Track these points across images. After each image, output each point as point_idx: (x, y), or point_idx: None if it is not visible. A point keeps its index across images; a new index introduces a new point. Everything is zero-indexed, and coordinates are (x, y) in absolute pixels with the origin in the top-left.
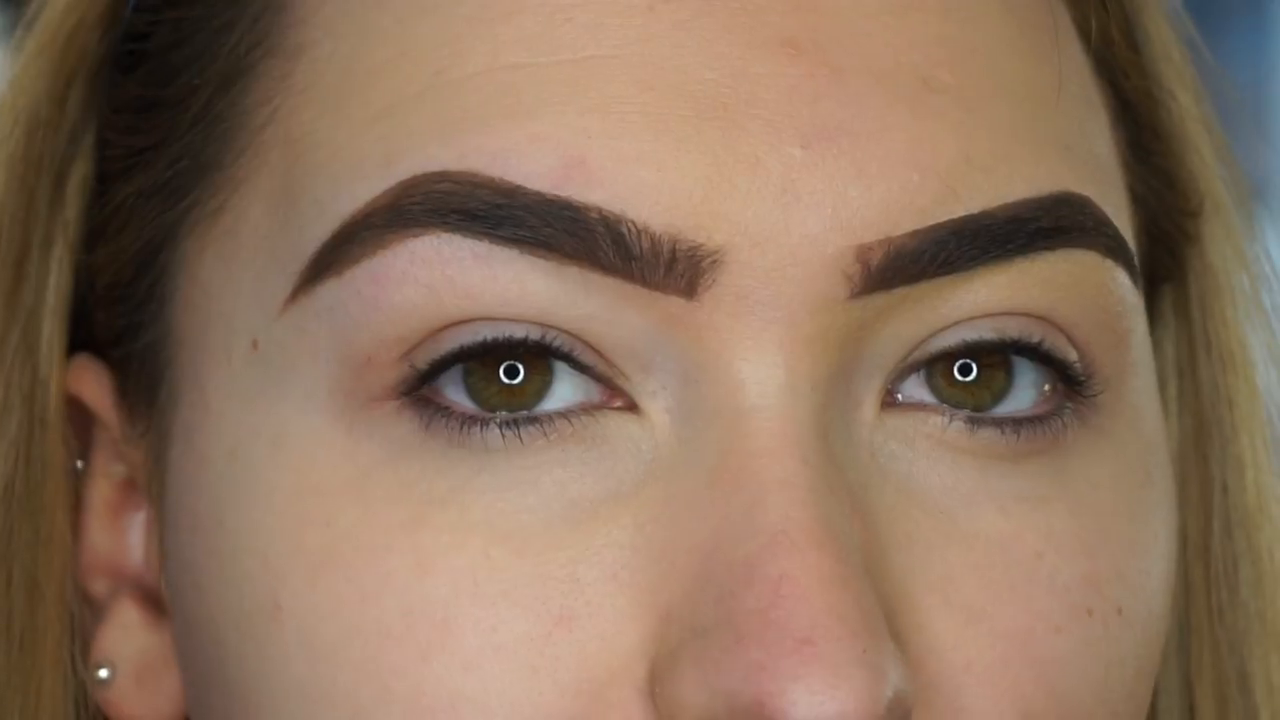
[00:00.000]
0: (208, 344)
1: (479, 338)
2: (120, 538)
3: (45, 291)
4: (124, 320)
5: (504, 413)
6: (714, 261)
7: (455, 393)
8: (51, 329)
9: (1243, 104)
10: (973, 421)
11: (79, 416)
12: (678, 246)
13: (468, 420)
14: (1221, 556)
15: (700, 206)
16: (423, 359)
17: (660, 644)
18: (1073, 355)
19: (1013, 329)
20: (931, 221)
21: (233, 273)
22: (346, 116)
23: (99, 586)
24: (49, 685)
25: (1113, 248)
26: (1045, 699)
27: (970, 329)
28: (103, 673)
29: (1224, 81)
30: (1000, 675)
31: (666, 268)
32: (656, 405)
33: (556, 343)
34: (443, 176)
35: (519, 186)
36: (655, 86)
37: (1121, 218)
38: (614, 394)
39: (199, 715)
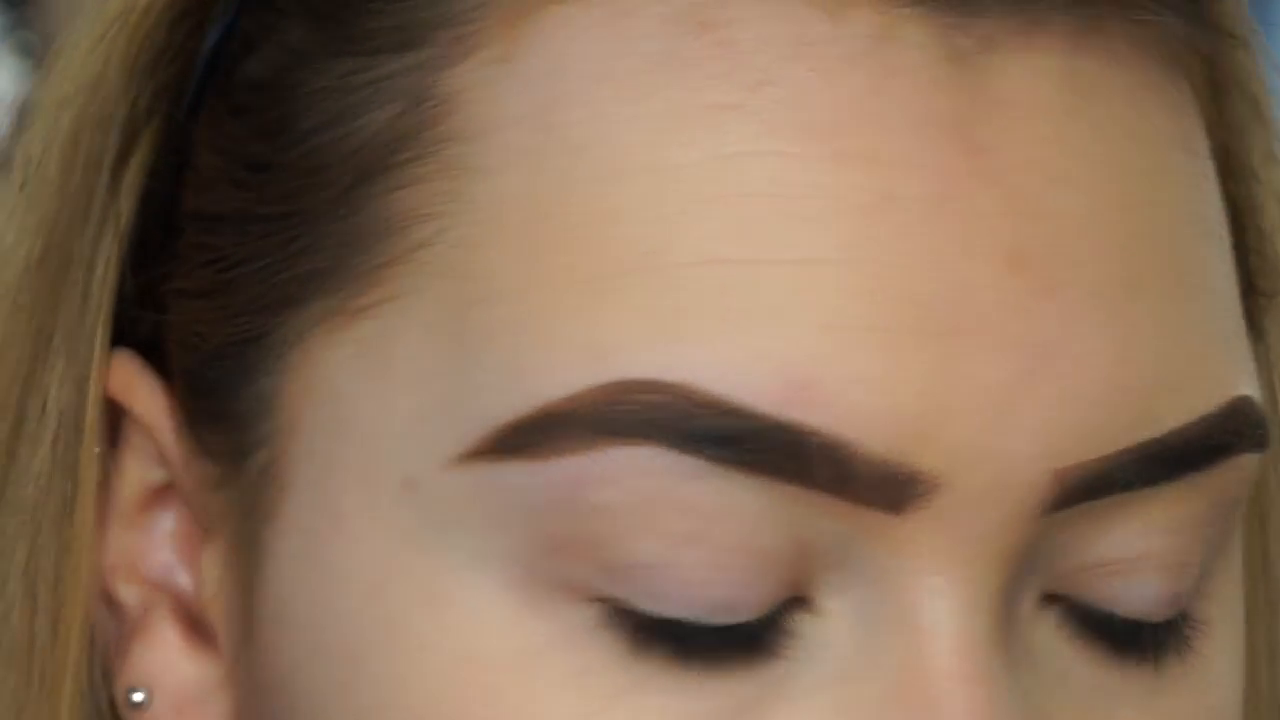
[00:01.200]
0: (340, 456)
1: None
2: (144, 539)
3: (91, 285)
4: (213, 373)
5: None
6: (930, 486)
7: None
8: (96, 325)
9: None
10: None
11: (110, 409)
12: (896, 472)
13: (652, 625)
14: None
15: (921, 431)
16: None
17: None
18: (1192, 608)
19: (1167, 588)
20: (1124, 445)
21: (380, 395)
22: (542, 276)
23: (127, 594)
24: (69, 692)
25: (1263, 442)
26: None
27: (1126, 590)
28: (138, 696)
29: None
30: None
31: (881, 489)
32: (838, 605)
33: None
34: (660, 388)
35: (741, 408)
36: (877, 298)
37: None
38: (797, 593)
39: None
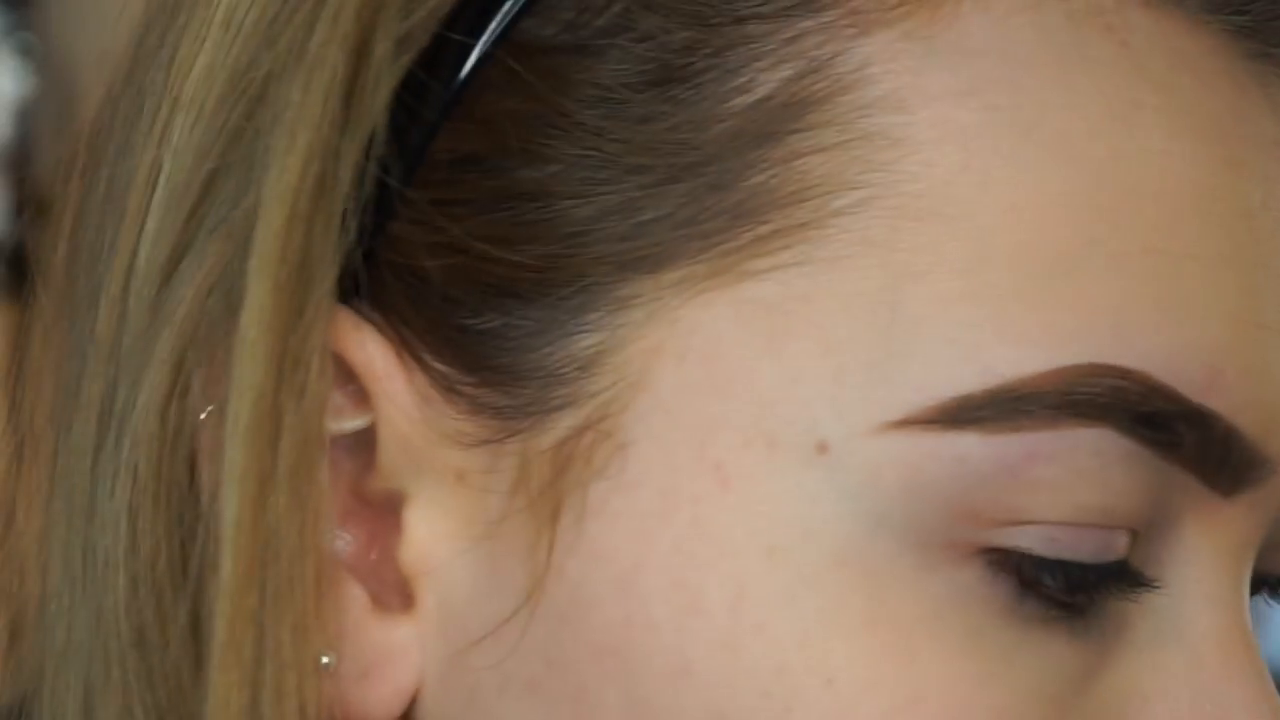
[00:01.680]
0: (721, 415)
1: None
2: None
3: (327, 234)
4: (497, 327)
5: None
6: (1268, 473)
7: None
8: (323, 281)
9: None
10: None
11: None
12: (1257, 458)
13: (1031, 586)
14: None
15: (1276, 420)
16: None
17: None
18: None
19: None
20: None
21: (781, 357)
22: (991, 254)
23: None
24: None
25: None
26: None
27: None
28: (325, 659)
29: None
30: None
31: (1244, 477)
32: (1164, 572)
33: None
34: (1119, 373)
35: (1177, 394)
36: (1260, 295)
37: None
38: (1128, 569)
39: None
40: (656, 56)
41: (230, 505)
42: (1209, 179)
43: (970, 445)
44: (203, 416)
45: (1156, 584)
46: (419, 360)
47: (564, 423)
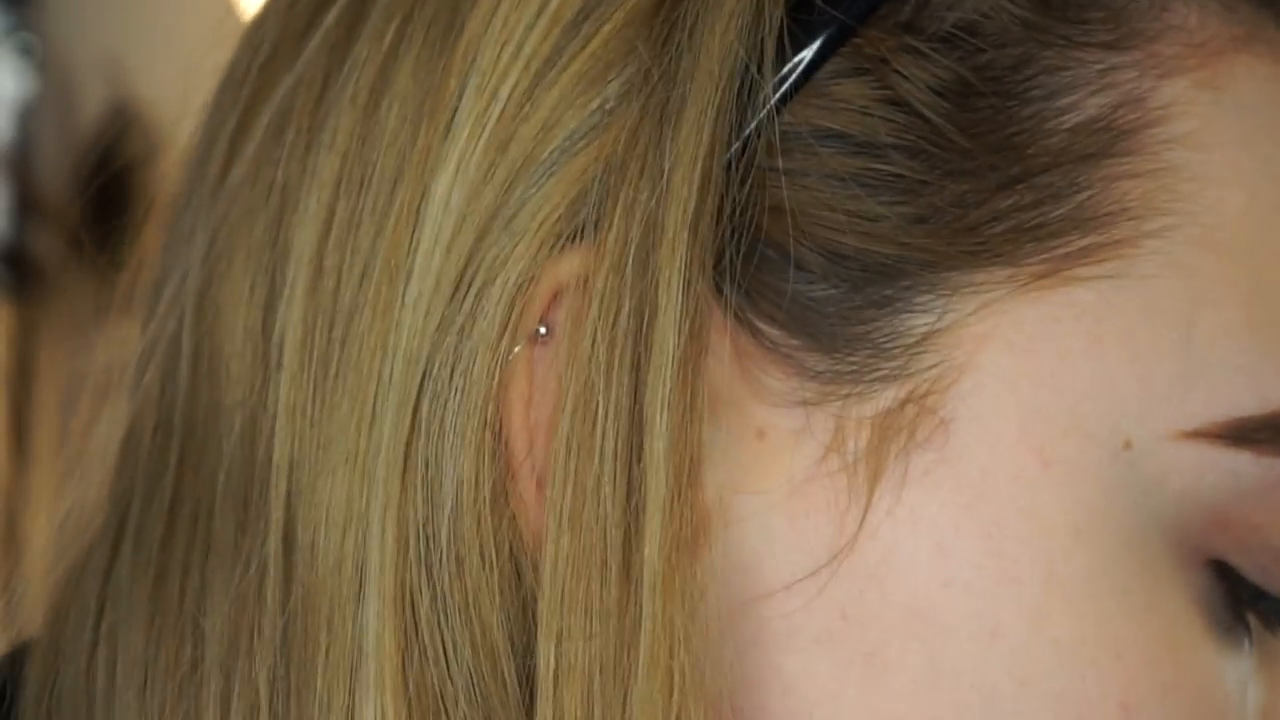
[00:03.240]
0: (1041, 404)
1: None
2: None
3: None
4: (839, 297)
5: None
6: None
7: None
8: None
9: None
10: None
11: None
12: None
13: (1238, 605)
14: None
15: None
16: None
17: None
18: None
19: None
20: None
21: (1092, 359)
22: (1265, 292)
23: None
24: None
25: None
26: None
27: None
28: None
29: None
30: None
31: None
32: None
33: None
34: None
35: None
36: None
37: None
38: None
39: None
40: (994, 61)
41: (660, 469)
42: None
43: (1244, 463)
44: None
45: None
46: (743, 319)
47: (888, 394)
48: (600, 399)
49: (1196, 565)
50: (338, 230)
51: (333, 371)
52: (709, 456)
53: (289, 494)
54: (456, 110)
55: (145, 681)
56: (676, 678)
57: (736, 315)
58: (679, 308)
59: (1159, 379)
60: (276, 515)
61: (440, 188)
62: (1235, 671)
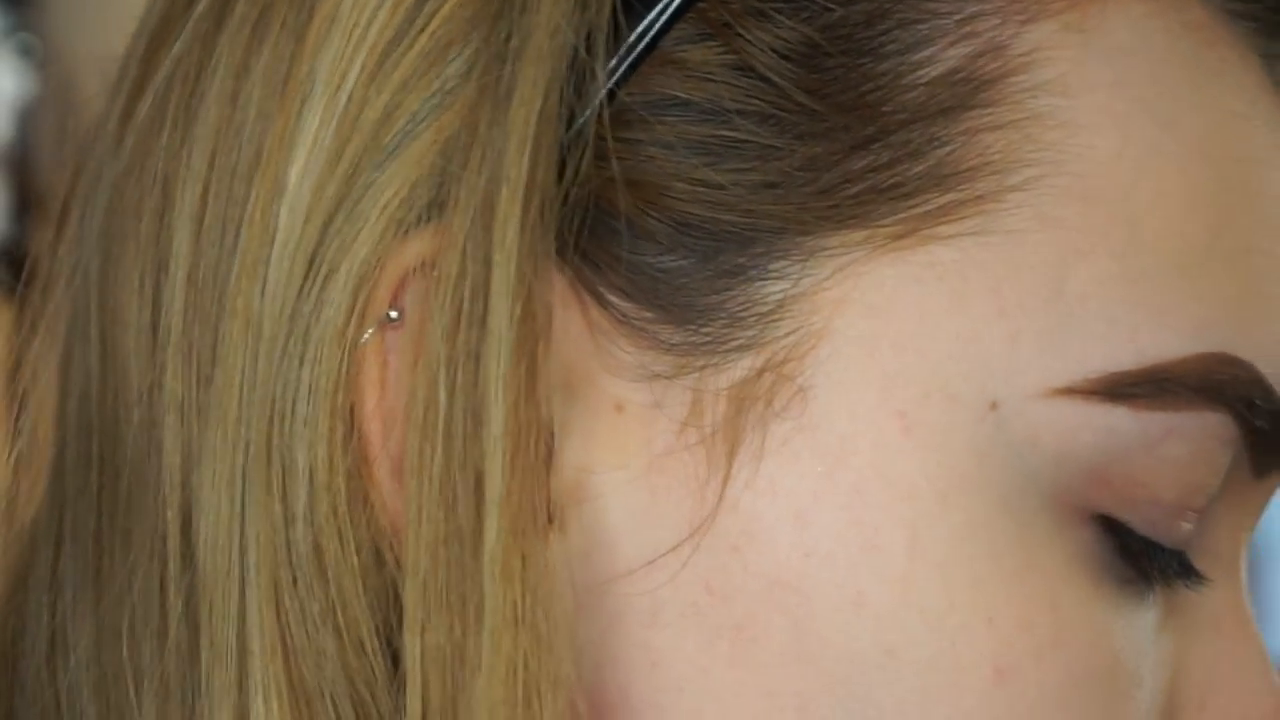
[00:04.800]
0: (903, 368)
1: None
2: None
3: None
4: (687, 268)
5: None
6: None
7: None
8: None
9: None
10: None
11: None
12: None
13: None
14: None
15: None
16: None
17: None
18: None
19: None
20: None
21: (956, 319)
22: (1144, 241)
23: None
24: None
25: None
26: None
27: None
28: None
29: None
30: None
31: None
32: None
33: None
34: (1240, 364)
35: (1272, 388)
36: None
37: None
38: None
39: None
40: (844, 19)
41: (497, 414)
42: None
43: (1121, 418)
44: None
45: (1206, 580)
46: (594, 293)
47: (745, 363)
48: (444, 383)
49: (1081, 522)
50: (209, 225)
51: (206, 371)
52: (568, 434)
53: (182, 490)
54: (307, 97)
55: (100, 680)
56: (520, 662)
57: (589, 290)
58: (512, 287)
59: (1027, 336)
60: (173, 513)
61: (293, 178)
62: (1138, 624)
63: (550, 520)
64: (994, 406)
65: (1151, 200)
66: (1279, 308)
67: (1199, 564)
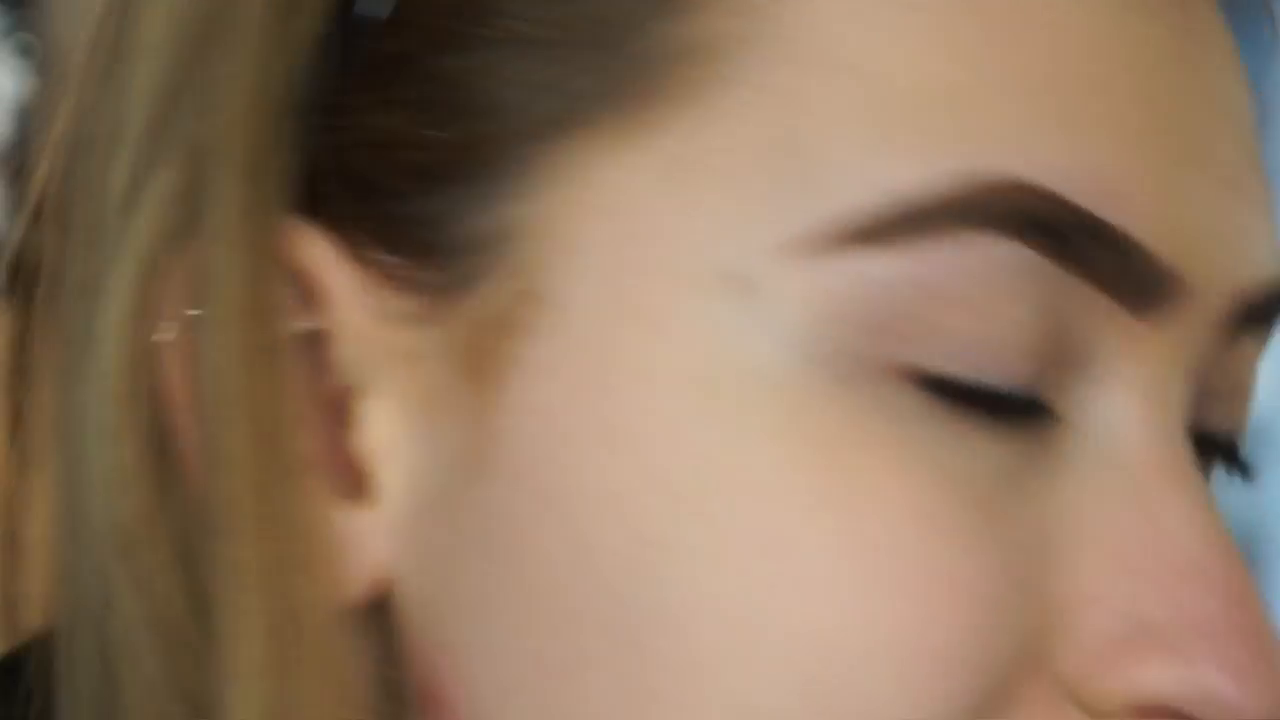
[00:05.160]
0: (647, 262)
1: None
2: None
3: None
4: (421, 204)
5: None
6: (1174, 292)
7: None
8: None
9: None
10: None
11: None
12: (1158, 273)
13: (963, 393)
14: None
15: (1183, 239)
16: (945, 370)
17: (1081, 629)
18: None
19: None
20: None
21: (693, 200)
22: (878, 95)
23: None
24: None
25: None
26: None
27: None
28: None
29: None
30: None
31: (1152, 293)
32: (1079, 404)
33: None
34: (1017, 184)
35: (1076, 205)
36: (1152, 120)
37: None
38: (1050, 387)
39: (510, 634)
40: None
41: (223, 413)
42: (1109, 23)
43: (881, 264)
44: (167, 336)
45: (1061, 415)
46: (362, 256)
47: (494, 289)
48: (213, 376)
49: (885, 380)
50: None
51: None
52: (366, 395)
53: None
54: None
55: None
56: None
57: (354, 251)
58: (240, 267)
59: (763, 207)
60: None
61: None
62: (984, 457)
63: (360, 483)
64: (745, 287)
65: (891, 53)
66: (1086, 132)
67: (1085, 411)
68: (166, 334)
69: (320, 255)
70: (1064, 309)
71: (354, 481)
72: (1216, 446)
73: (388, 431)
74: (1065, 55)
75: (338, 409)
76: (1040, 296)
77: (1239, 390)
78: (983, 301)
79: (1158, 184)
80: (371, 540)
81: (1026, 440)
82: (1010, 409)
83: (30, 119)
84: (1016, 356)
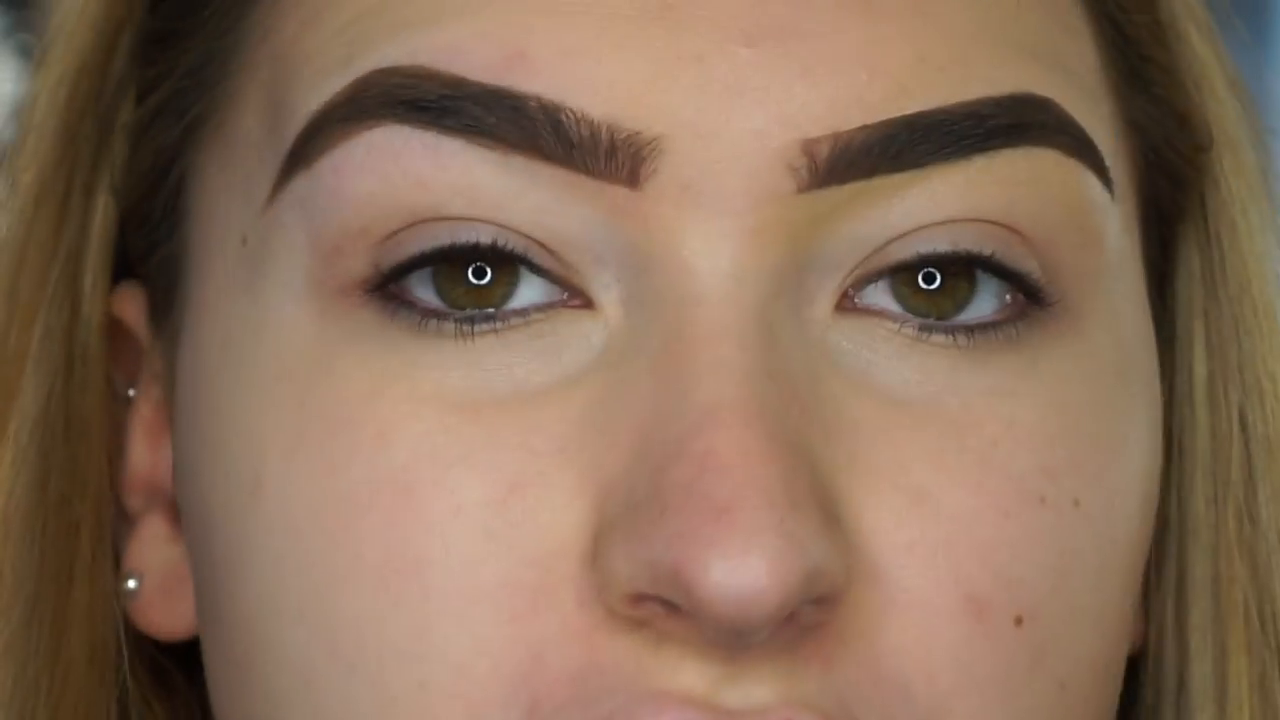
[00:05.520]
0: (208, 246)
1: (440, 242)
2: (158, 455)
3: (90, 229)
4: (145, 239)
5: (468, 310)
6: (653, 150)
7: (423, 291)
8: (94, 264)
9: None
10: (926, 329)
11: (130, 344)
12: (615, 134)
13: (428, 313)
14: (1241, 482)
15: (640, 98)
16: (387, 261)
17: (600, 517)
18: (1031, 265)
19: (968, 239)
20: (882, 117)
21: (228, 178)
22: (320, 28)
23: (135, 502)
24: (79, 597)
25: (1077, 147)
26: (991, 581)
27: (926, 239)
28: (131, 583)
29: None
30: (944, 556)
31: (606, 156)
32: (610, 298)
33: (511, 245)
34: (394, 72)
35: (463, 78)
36: None
37: (1100, 131)
38: (573, 293)
39: (200, 599)
40: None
41: (18, 452)
42: None
43: (302, 185)
44: None
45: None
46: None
47: (175, 305)
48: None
49: (355, 306)
50: None
51: None
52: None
53: None
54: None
55: None
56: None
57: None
58: (82, 312)
59: (254, 163)
60: None
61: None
62: (454, 363)
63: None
64: (244, 241)
65: None
66: (470, 6)
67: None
68: None
69: (136, 313)
70: (510, 190)
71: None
72: (951, 261)
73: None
74: None
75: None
76: (460, 177)
77: (949, 225)
78: (395, 193)
79: (572, 43)
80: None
81: (529, 345)
82: (489, 320)
83: None
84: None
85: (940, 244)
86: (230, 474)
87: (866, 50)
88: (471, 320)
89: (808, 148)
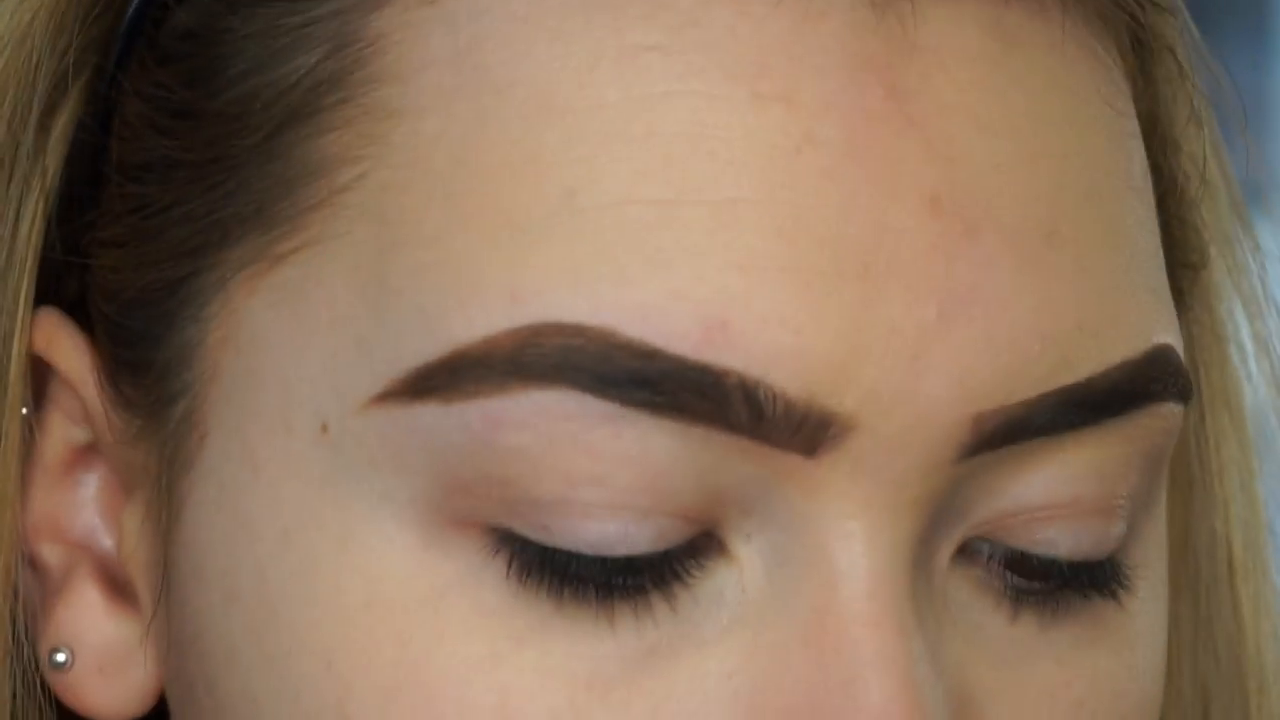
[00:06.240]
0: (258, 402)
1: (590, 536)
2: (68, 498)
3: (16, 241)
4: (135, 323)
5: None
6: (844, 428)
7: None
8: (20, 282)
9: (1242, 104)
10: (1024, 593)
11: (35, 368)
12: (811, 413)
13: (568, 577)
14: (1206, 601)
15: (836, 372)
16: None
17: None
18: (1119, 557)
19: (1086, 543)
20: (1044, 390)
21: (298, 338)
22: (462, 220)
23: (50, 555)
24: None
25: (1186, 392)
26: None
27: (1045, 530)
28: (60, 656)
29: (1224, 81)
30: None
31: (795, 430)
32: (750, 548)
33: (668, 533)
34: (577, 331)
35: (658, 350)
36: (796, 239)
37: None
38: (706, 536)
39: None
40: (208, 65)
41: None
42: (729, 118)
43: (434, 416)
44: None
45: (694, 595)
46: (107, 373)
47: (172, 415)
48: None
49: (464, 539)
50: None
51: None
52: (124, 503)
53: None
54: None
55: None
56: None
57: (100, 366)
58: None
59: (347, 347)
60: None
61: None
62: (592, 642)
63: (128, 591)
64: (324, 430)
65: (476, 176)
66: (677, 257)
67: (754, 559)
68: None
69: (81, 368)
70: (696, 467)
71: (123, 589)
72: (1063, 567)
73: (135, 541)
74: (667, 174)
75: (116, 514)
76: (636, 451)
77: (1074, 505)
78: (556, 457)
79: (780, 311)
80: (140, 649)
81: (653, 613)
82: (626, 577)
83: None
84: (614, 515)
85: (1061, 545)
86: (304, 694)
87: (1038, 318)
88: (610, 585)
89: (979, 420)
